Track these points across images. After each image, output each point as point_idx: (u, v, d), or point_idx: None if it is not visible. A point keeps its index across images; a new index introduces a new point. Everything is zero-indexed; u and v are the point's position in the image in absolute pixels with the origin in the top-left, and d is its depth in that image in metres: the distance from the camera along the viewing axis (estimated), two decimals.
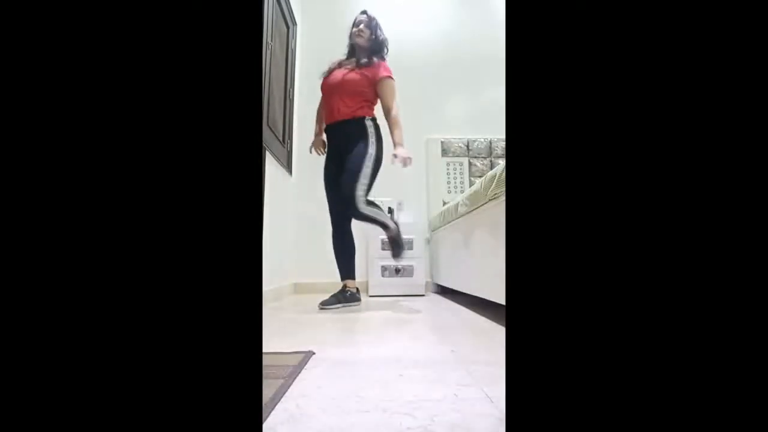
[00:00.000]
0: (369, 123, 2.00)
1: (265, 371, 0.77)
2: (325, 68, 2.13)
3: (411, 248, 2.64)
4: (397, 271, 2.64)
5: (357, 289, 2.07)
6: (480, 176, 2.89)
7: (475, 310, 1.76)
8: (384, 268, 2.66)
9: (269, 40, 2.17)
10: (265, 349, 0.99)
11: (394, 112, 2.00)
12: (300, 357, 0.90)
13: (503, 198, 1.33)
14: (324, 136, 2.13)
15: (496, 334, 1.21)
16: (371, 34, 2.06)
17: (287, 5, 2.66)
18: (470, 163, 3.02)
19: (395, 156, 1.94)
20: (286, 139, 2.63)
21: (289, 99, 2.70)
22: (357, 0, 3.25)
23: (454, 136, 3.07)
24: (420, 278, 2.62)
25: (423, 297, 2.52)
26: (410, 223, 2.75)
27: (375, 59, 2.03)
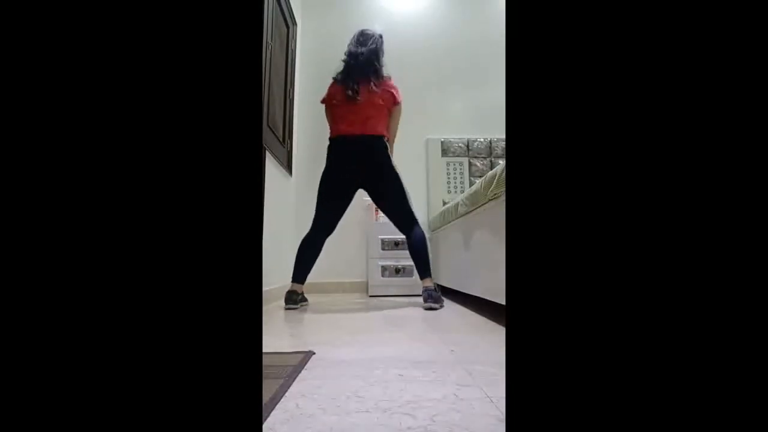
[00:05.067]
0: None
1: (265, 371, 0.77)
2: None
3: None
4: (397, 271, 2.64)
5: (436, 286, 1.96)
6: (480, 176, 2.89)
7: (475, 310, 1.76)
8: (384, 268, 2.66)
9: (269, 40, 2.17)
10: (265, 349, 0.99)
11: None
12: (300, 357, 0.90)
13: (503, 198, 1.33)
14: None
15: (496, 334, 1.21)
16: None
17: (287, 5, 2.66)
18: (470, 163, 3.02)
19: None
20: (286, 139, 2.63)
21: (289, 99, 2.70)
22: (357, 0, 3.26)
23: (454, 136, 3.07)
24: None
25: None
26: None
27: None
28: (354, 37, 2.09)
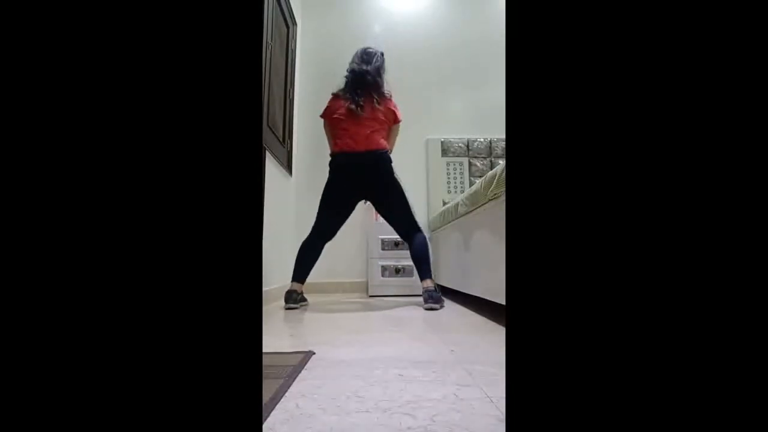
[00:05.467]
0: None
1: (265, 371, 0.77)
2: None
3: None
4: (397, 271, 2.64)
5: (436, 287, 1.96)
6: (480, 176, 2.89)
7: (475, 310, 1.76)
8: (384, 268, 2.66)
9: (269, 40, 2.17)
10: (265, 349, 0.99)
11: None
12: (300, 357, 0.90)
13: (503, 198, 1.33)
14: None
15: (496, 334, 1.21)
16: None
17: (287, 5, 2.66)
18: (470, 163, 3.02)
19: None
20: (286, 139, 2.63)
21: (289, 99, 2.70)
22: (357, 0, 3.25)
23: (454, 136, 3.07)
24: None
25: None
26: None
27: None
28: (357, 55, 2.12)
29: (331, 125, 2.09)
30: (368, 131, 1.99)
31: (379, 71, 2.07)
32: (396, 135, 2.13)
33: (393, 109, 2.08)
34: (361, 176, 1.98)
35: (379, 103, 2.02)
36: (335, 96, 2.10)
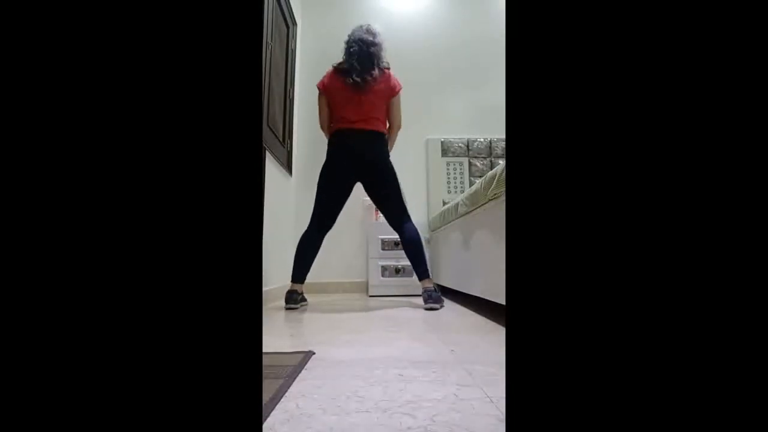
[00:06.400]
0: None
1: (265, 371, 0.77)
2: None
3: None
4: (397, 271, 2.64)
5: (436, 287, 1.97)
6: (480, 176, 2.89)
7: (475, 310, 1.76)
8: (384, 268, 2.66)
9: (269, 40, 2.17)
10: (265, 349, 0.99)
11: None
12: (300, 357, 0.90)
13: (503, 198, 1.33)
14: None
15: (496, 334, 1.21)
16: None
17: (287, 5, 2.66)
18: (470, 163, 3.02)
19: None
20: (286, 139, 2.63)
21: (289, 99, 2.70)
22: (357, 0, 3.25)
23: (454, 136, 3.07)
24: None
25: None
26: None
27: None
28: (362, 27, 2.08)
29: (331, 101, 2.05)
30: (367, 111, 1.99)
31: (382, 47, 2.05)
32: (399, 106, 2.08)
33: (390, 81, 2.04)
34: (362, 155, 1.98)
35: (378, 77, 1.99)
36: (336, 70, 2.05)
